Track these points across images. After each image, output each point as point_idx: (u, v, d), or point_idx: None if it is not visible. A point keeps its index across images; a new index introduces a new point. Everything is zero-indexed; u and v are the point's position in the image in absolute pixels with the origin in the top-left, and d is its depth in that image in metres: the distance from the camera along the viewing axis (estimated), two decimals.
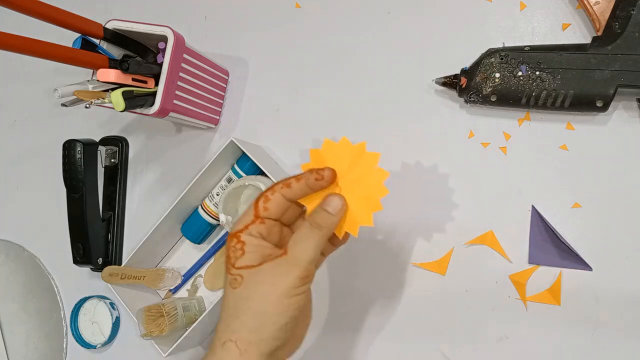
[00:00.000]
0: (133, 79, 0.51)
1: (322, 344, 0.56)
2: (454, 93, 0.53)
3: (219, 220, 0.57)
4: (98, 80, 0.50)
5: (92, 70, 0.52)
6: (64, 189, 0.63)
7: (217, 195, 0.60)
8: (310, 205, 0.40)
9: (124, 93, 0.49)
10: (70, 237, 0.63)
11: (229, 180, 0.60)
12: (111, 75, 0.50)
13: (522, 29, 0.53)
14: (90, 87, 0.50)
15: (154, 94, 0.52)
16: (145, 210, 0.66)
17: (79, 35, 0.49)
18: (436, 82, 0.53)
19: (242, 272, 0.38)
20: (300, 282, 0.37)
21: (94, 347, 0.64)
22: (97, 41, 0.51)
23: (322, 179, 0.40)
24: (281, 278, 0.37)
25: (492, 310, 0.51)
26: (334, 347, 0.56)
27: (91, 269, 0.65)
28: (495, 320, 0.51)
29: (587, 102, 0.47)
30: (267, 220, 0.40)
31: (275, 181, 0.53)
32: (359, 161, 0.39)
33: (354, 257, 0.56)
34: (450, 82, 0.53)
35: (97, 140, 0.66)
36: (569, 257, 0.50)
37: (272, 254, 0.39)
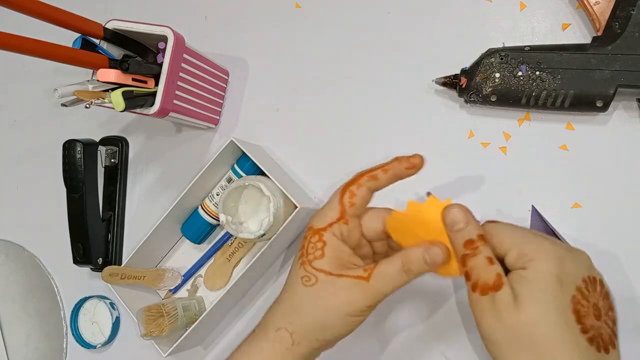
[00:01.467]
0: (133, 79, 0.51)
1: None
2: (454, 93, 0.53)
3: (219, 220, 0.57)
4: (98, 80, 0.50)
5: (92, 70, 0.52)
6: (64, 189, 0.63)
7: (217, 195, 0.60)
8: (404, 242, 0.39)
9: (124, 93, 0.49)
10: (70, 237, 0.63)
11: (229, 180, 0.60)
12: (111, 75, 0.50)
13: (522, 29, 0.53)
14: (90, 87, 0.50)
15: (154, 94, 0.52)
16: (145, 210, 0.66)
17: (79, 35, 0.49)
18: (436, 82, 0.53)
19: (319, 274, 0.38)
20: (368, 309, 0.38)
21: (94, 347, 0.64)
22: (97, 41, 0.51)
23: (414, 167, 0.40)
24: (355, 301, 0.37)
25: None
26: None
27: (91, 269, 0.65)
28: None
29: (587, 102, 0.47)
30: (351, 220, 0.40)
31: (275, 181, 0.53)
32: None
33: None
34: (450, 82, 0.53)
35: (97, 140, 0.66)
36: None
37: (350, 264, 0.39)
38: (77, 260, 0.63)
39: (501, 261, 0.36)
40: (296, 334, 0.37)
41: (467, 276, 0.36)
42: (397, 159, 0.40)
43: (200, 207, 0.61)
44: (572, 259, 0.35)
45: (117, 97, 0.49)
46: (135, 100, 0.50)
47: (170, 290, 0.63)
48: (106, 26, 0.52)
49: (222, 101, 0.63)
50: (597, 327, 0.34)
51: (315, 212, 0.42)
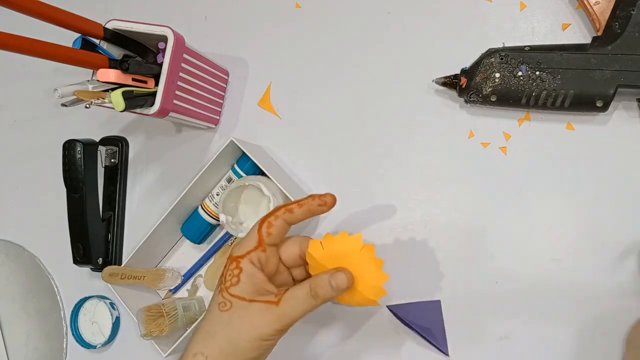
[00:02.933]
0: (133, 79, 0.51)
1: (318, 346, 0.56)
2: (454, 93, 0.53)
3: (219, 220, 0.57)
4: (98, 80, 0.50)
5: (92, 70, 0.52)
6: (64, 189, 0.63)
7: (217, 195, 0.60)
8: (316, 270, 0.43)
9: (124, 93, 0.49)
10: (70, 237, 0.63)
11: (229, 180, 0.60)
12: (111, 75, 0.50)
13: (522, 29, 0.53)
14: (90, 87, 0.50)
15: (154, 94, 0.52)
16: (145, 210, 0.66)
17: (79, 35, 0.49)
18: (436, 82, 0.53)
19: (233, 300, 0.41)
20: (277, 333, 0.40)
21: (94, 347, 0.64)
22: (97, 41, 0.51)
23: (325, 205, 0.42)
24: (263, 324, 0.40)
25: (492, 311, 0.51)
26: (333, 350, 0.56)
27: (91, 269, 0.65)
28: (496, 320, 0.51)
29: (587, 102, 0.47)
30: (269, 248, 0.42)
31: (275, 182, 0.53)
32: (357, 252, 0.42)
33: None
34: (450, 82, 0.53)
35: (97, 140, 0.66)
36: None
37: (263, 290, 0.41)
38: (77, 260, 0.63)
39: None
40: (211, 358, 0.39)
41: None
42: (311, 196, 0.43)
43: (200, 207, 0.61)
44: None
45: (117, 97, 0.49)
46: (135, 100, 0.50)
47: (170, 290, 0.63)
48: (106, 26, 0.52)
49: (222, 101, 0.63)
50: None
51: (237, 243, 0.45)
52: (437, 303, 0.52)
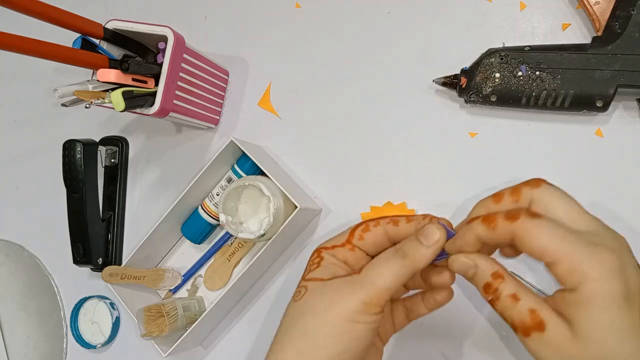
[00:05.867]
0: (133, 79, 0.51)
1: None
2: (454, 93, 0.53)
3: (219, 220, 0.57)
4: (98, 80, 0.50)
5: (92, 70, 0.52)
6: (64, 189, 0.63)
7: (217, 195, 0.60)
8: None
9: (124, 93, 0.49)
10: (70, 237, 0.63)
11: (229, 180, 0.60)
12: (111, 75, 0.50)
13: (522, 29, 0.53)
14: (90, 87, 0.50)
15: (154, 94, 0.52)
16: (145, 210, 0.66)
17: (79, 35, 0.49)
18: (436, 82, 0.53)
19: (309, 284, 0.34)
20: (364, 307, 0.31)
21: (94, 347, 0.64)
22: (97, 41, 0.51)
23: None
24: (344, 296, 0.32)
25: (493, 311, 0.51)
26: None
27: (91, 269, 0.65)
28: (497, 319, 0.51)
29: (587, 102, 0.47)
30: (358, 251, 0.36)
31: (275, 182, 0.53)
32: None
33: None
34: (450, 82, 0.53)
35: (97, 140, 0.66)
36: None
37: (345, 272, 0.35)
38: (77, 260, 0.63)
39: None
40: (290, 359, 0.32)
41: (503, 318, 0.31)
42: (426, 215, 0.36)
43: (200, 207, 0.61)
44: (628, 260, 0.29)
45: (117, 97, 0.49)
46: (135, 100, 0.50)
47: (170, 290, 0.63)
48: (106, 26, 0.52)
49: (222, 101, 0.63)
50: None
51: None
52: None
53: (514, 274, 0.40)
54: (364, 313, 0.32)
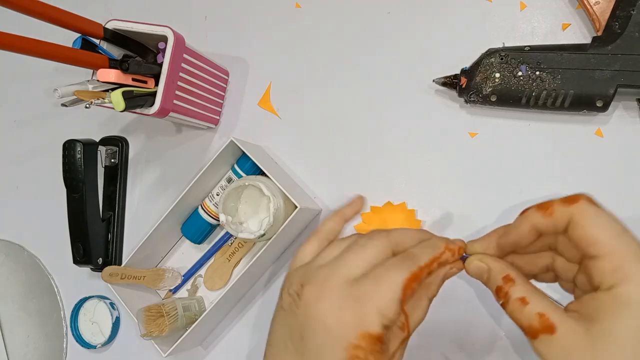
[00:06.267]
0: (133, 79, 0.51)
1: None
2: (454, 93, 0.53)
3: (219, 220, 0.57)
4: (98, 80, 0.50)
5: (92, 70, 0.52)
6: (64, 189, 0.63)
7: (217, 195, 0.60)
8: None
9: (124, 93, 0.49)
10: (70, 237, 0.63)
11: (229, 180, 0.60)
12: (111, 75, 0.50)
13: (522, 29, 0.53)
14: (90, 87, 0.50)
15: (154, 94, 0.52)
16: (145, 210, 0.66)
17: (79, 35, 0.49)
18: (436, 82, 0.53)
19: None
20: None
21: (94, 347, 0.64)
22: (97, 41, 0.51)
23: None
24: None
25: (492, 312, 0.51)
26: None
27: (91, 269, 0.65)
28: (499, 323, 0.51)
29: (587, 102, 0.47)
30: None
31: (275, 182, 0.53)
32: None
33: None
34: (450, 82, 0.53)
35: (97, 140, 0.66)
36: None
37: None
38: (77, 260, 0.63)
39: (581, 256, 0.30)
40: None
41: (514, 322, 0.31)
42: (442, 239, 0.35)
43: (200, 207, 0.61)
44: None
45: (117, 97, 0.49)
46: (135, 100, 0.50)
47: (170, 290, 0.63)
48: (106, 26, 0.52)
49: (222, 101, 0.63)
50: None
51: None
52: None
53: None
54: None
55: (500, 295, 0.31)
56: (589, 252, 0.29)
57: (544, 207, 0.32)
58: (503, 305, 0.31)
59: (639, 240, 0.29)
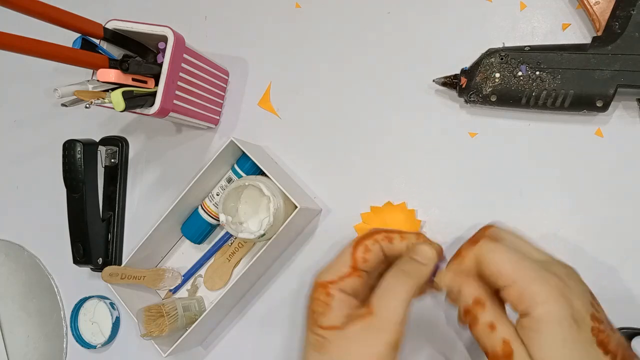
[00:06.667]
0: (133, 79, 0.51)
1: None
2: (454, 93, 0.53)
3: (219, 220, 0.57)
4: (98, 80, 0.50)
5: (92, 70, 0.52)
6: (64, 189, 0.63)
7: (217, 195, 0.60)
8: None
9: (124, 93, 0.49)
10: (70, 237, 0.63)
11: (229, 180, 0.60)
12: (111, 75, 0.50)
13: (522, 29, 0.53)
14: (90, 87, 0.50)
15: (154, 94, 0.52)
16: (145, 210, 0.66)
17: (79, 35, 0.49)
18: (436, 82, 0.53)
19: (328, 333, 0.33)
20: (390, 348, 0.32)
21: (94, 347, 0.64)
22: (97, 41, 0.51)
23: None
24: (369, 346, 0.32)
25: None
26: None
27: (91, 269, 0.65)
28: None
29: (587, 102, 0.47)
30: (363, 274, 0.35)
31: (275, 182, 0.53)
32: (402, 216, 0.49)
33: None
34: (450, 82, 0.53)
35: (97, 140, 0.66)
36: None
37: (356, 311, 0.34)
38: (77, 260, 0.63)
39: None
40: None
41: (478, 343, 0.33)
42: (418, 234, 0.37)
43: (200, 207, 0.61)
44: (575, 285, 0.32)
45: (117, 97, 0.49)
46: (135, 100, 0.50)
47: (170, 290, 0.63)
48: (106, 26, 0.52)
49: (222, 101, 0.63)
50: (617, 344, 0.30)
51: (322, 268, 0.37)
52: None
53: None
54: (391, 352, 0.32)
55: (468, 317, 0.32)
56: (498, 284, 0.32)
57: (456, 254, 0.34)
58: (470, 326, 0.32)
59: (539, 260, 0.32)
